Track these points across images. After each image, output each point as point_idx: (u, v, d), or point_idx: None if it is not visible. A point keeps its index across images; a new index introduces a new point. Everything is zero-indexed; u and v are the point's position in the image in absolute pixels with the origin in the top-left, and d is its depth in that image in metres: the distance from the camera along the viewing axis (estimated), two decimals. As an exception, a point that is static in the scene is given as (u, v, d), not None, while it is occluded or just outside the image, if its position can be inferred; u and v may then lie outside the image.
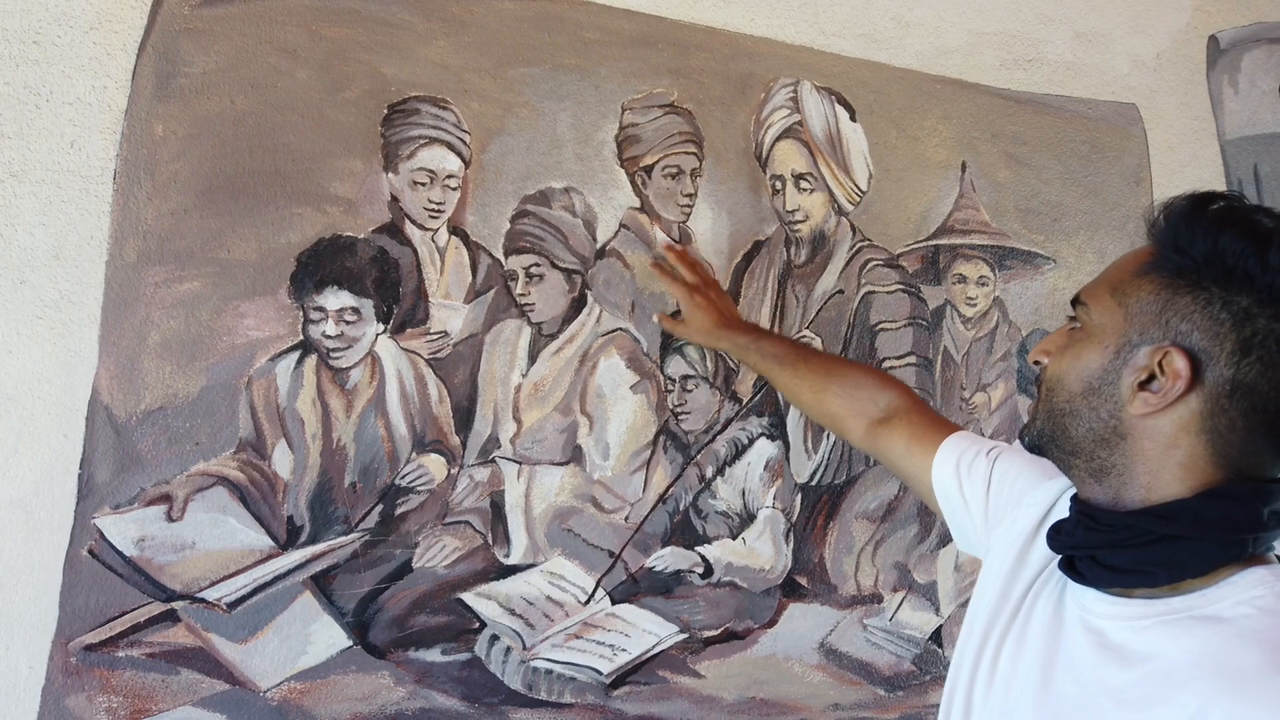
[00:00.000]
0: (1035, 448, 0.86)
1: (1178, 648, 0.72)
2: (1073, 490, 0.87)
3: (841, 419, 1.24)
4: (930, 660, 1.91)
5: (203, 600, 1.39)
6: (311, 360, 1.49)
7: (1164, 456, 0.76)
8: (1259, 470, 0.75)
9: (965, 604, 1.92)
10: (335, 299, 1.50)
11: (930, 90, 1.97)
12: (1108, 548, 0.78)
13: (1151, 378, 0.76)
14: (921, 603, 1.91)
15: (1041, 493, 0.93)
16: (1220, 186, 2.27)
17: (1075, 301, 0.84)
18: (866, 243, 1.91)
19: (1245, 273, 0.73)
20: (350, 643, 1.47)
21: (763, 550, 1.79)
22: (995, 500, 0.99)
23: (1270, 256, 0.72)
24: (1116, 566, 0.78)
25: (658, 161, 1.75)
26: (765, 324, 1.84)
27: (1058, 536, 0.84)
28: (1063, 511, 0.88)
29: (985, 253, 1.99)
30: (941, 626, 1.92)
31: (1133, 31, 2.18)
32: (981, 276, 1.99)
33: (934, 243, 1.96)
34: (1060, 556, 0.83)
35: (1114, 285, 0.81)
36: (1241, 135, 2.32)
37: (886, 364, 1.91)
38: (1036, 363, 0.87)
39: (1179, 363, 0.74)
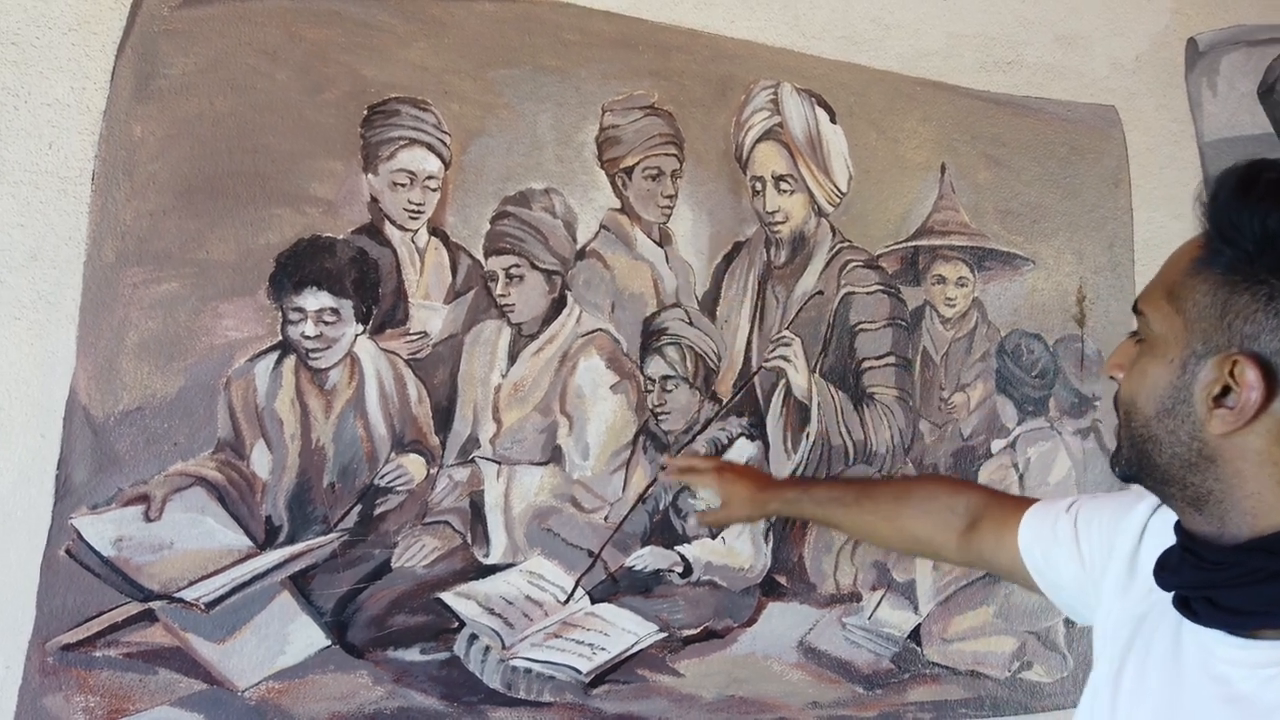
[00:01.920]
0: (1128, 478, 0.77)
1: None
2: (1163, 509, 0.82)
3: (929, 540, 1.13)
4: (908, 658, 1.92)
5: (181, 600, 1.40)
6: (290, 361, 1.50)
7: (1262, 476, 0.67)
8: None
9: (944, 602, 1.94)
10: (314, 300, 1.50)
11: (910, 92, 1.98)
12: (1221, 587, 0.69)
13: (1226, 390, 0.67)
14: (900, 601, 1.92)
15: (1129, 521, 0.85)
16: (1199, 189, 2.28)
17: (1136, 310, 0.76)
18: (846, 244, 1.93)
19: None
20: (328, 642, 1.48)
21: (742, 549, 1.80)
22: (1088, 550, 0.91)
23: None
24: (1234, 608, 0.68)
25: (638, 163, 1.76)
26: (746, 325, 1.85)
27: (1164, 573, 0.75)
28: (1156, 536, 0.81)
29: (964, 254, 2.00)
30: (920, 625, 1.93)
31: (1112, 34, 2.19)
32: (961, 277, 2.00)
33: (913, 244, 1.97)
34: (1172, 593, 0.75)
35: (1169, 288, 0.72)
36: (1220, 137, 2.34)
37: (866, 364, 1.92)
38: (1112, 378, 0.78)
39: (1250, 372, 0.65)
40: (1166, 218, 2.21)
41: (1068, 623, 2.06)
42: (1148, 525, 0.85)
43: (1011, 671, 2.00)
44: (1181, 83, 2.29)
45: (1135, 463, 0.74)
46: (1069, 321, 2.09)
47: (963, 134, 2.02)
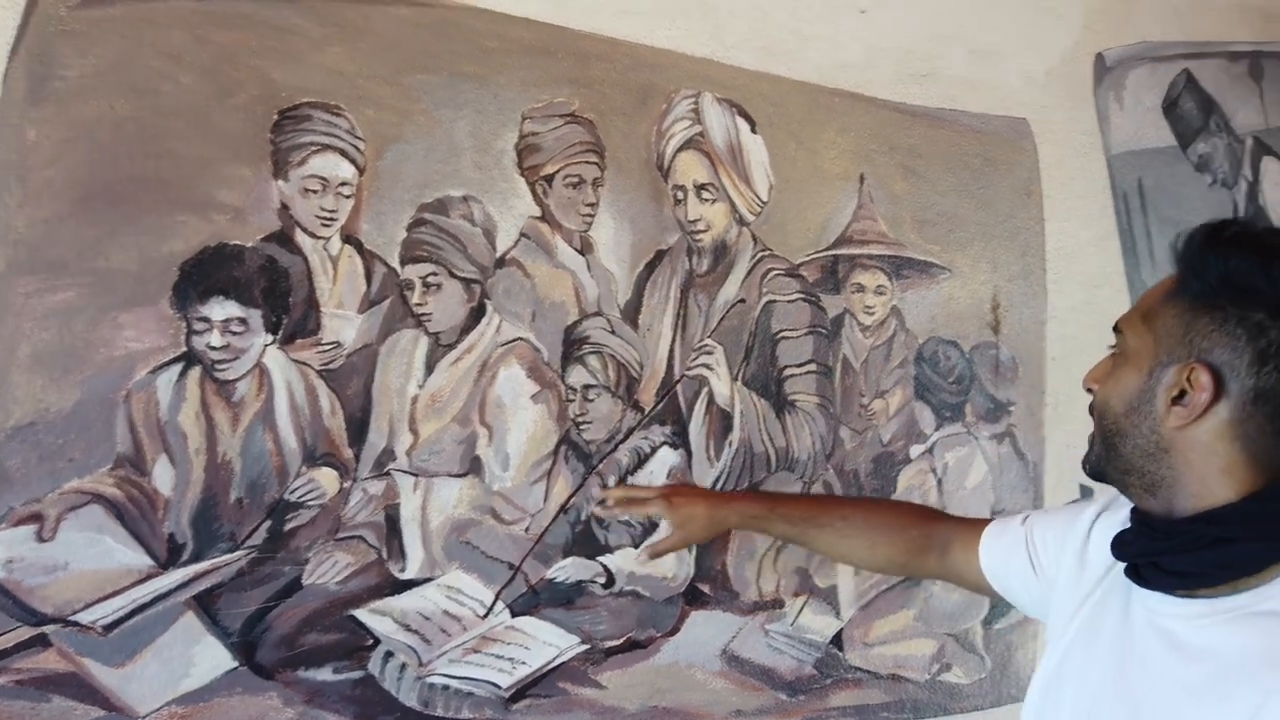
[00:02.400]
0: (1096, 473, 0.92)
1: (1239, 642, 0.78)
2: (1106, 514, 1.00)
3: (906, 563, 1.29)
4: (831, 664, 1.94)
5: (76, 623, 1.34)
6: (195, 373, 1.45)
7: (1206, 465, 0.83)
8: None
9: (865, 606, 1.97)
10: (221, 309, 1.46)
11: (829, 103, 2.00)
12: (1168, 554, 0.85)
13: (1183, 394, 0.82)
14: (822, 607, 1.93)
15: (1077, 528, 1.02)
16: (1107, 199, 2.36)
17: (1115, 329, 0.92)
18: (767, 252, 1.94)
19: (1255, 289, 0.80)
20: (235, 664, 1.43)
21: (665, 558, 1.79)
22: (1043, 556, 1.08)
23: (1274, 271, 0.79)
24: (1177, 570, 0.84)
25: (559, 171, 1.75)
26: (668, 334, 1.85)
27: (1121, 546, 0.91)
28: (1100, 536, 0.98)
29: (883, 263, 2.03)
30: (842, 630, 1.95)
31: (1024, 49, 2.25)
32: (879, 286, 2.03)
33: (833, 253, 2.00)
34: (1125, 565, 0.90)
35: (1144, 312, 0.88)
36: (1127, 150, 2.42)
37: (788, 372, 1.94)
38: (1089, 390, 0.93)
39: (1203, 377, 0.81)
40: (1076, 227, 2.28)
41: (985, 624, 2.10)
42: (1093, 528, 1.00)
43: (931, 674, 2.03)
44: (1090, 97, 2.36)
45: (1104, 456, 0.90)
46: (984, 329, 2.14)
47: (880, 145, 2.05)
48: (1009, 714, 2.14)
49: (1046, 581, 1.06)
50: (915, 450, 2.04)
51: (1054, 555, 1.05)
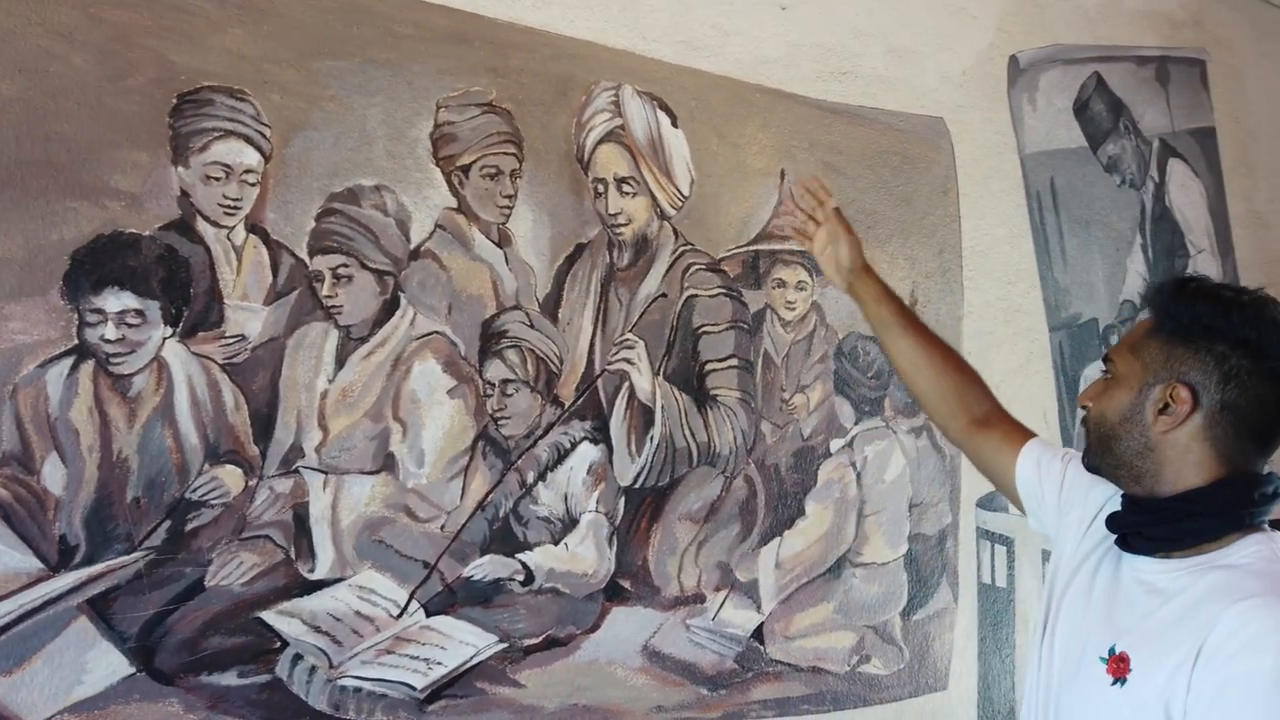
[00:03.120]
0: (1093, 468, 1.18)
1: (1199, 586, 1.04)
2: (1112, 499, 1.21)
3: (948, 410, 1.49)
4: (752, 658, 1.94)
5: (-43, 631, 1.27)
6: (88, 366, 1.38)
7: (1182, 460, 1.08)
8: (1249, 466, 1.09)
9: (786, 600, 1.98)
10: (116, 300, 1.39)
11: (750, 99, 2.01)
12: (1150, 524, 1.11)
13: (1166, 406, 1.08)
14: (743, 601, 1.94)
15: (1099, 491, 1.24)
16: (1021, 198, 2.42)
17: (1105, 359, 1.18)
18: (689, 247, 1.93)
19: (1218, 329, 1.06)
20: (133, 669, 1.37)
21: (586, 555, 1.77)
22: (1067, 494, 1.30)
23: (1232, 316, 1.06)
24: (1156, 537, 1.10)
25: (475, 161, 1.72)
26: (588, 328, 1.84)
27: (1114, 521, 1.15)
28: (1113, 507, 1.19)
29: (804, 258, 2.04)
30: (763, 624, 1.95)
31: (941, 49, 2.29)
32: (800, 281, 2.04)
33: (754, 248, 2.00)
34: (1116, 535, 1.15)
35: (1132, 345, 1.14)
36: (1040, 150, 2.48)
37: (709, 366, 1.94)
38: (1084, 406, 1.19)
39: (1183, 394, 1.07)
40: (991, 225, 2.33)
41: (904, 616, 2.13)
42: (1109, 500, 1.21)
43: (851, 666, 2.05)
44: (1004, 97, 2.42)
45: (1100, 454, 1.15)
46: (902, 324, 2.16)
47: (801, 141, 2.06)
48: (927, 704, 2.17)
49: (1060, 515, 1.29)
50: (835, 444, 2.06)
51: (1077, 498, 1.27)
